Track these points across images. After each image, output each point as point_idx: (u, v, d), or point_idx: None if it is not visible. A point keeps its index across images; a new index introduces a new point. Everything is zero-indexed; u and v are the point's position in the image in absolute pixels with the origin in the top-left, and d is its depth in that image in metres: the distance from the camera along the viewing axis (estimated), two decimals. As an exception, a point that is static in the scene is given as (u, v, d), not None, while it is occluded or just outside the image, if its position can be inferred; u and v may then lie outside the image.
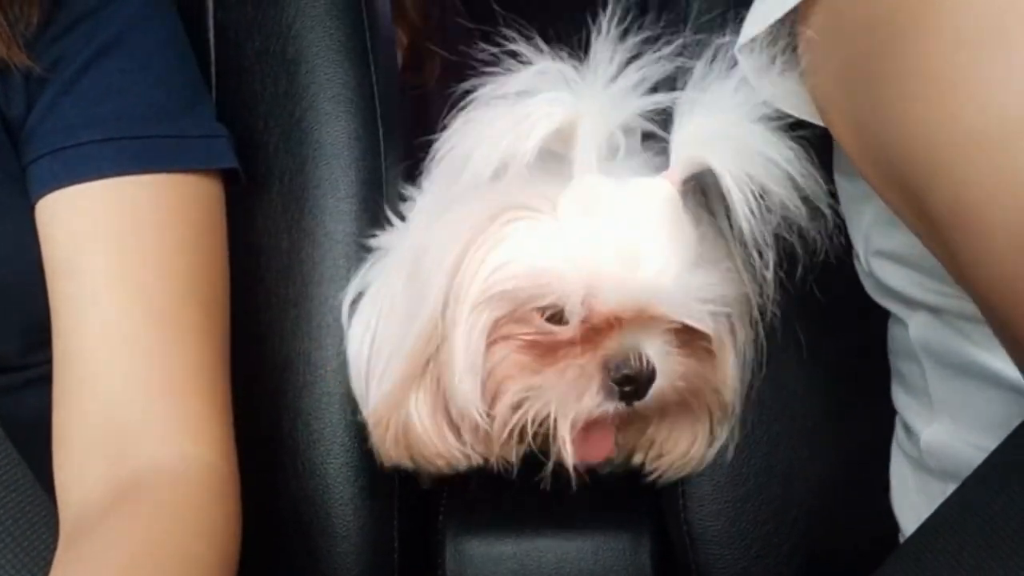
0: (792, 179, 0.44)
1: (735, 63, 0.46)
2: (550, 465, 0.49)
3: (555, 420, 0.47)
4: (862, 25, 0.41)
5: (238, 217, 0.59)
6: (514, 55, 0.46)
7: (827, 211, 0.45)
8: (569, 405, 0.46)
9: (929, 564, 0.45)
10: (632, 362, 0.46)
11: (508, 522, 0.60)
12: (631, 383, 0.46)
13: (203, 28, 0.64)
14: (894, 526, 0.58)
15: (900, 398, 0.58)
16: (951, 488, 0.52)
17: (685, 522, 0.58)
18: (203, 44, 0.64)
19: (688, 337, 0.48)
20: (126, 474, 0.48)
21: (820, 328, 0.58)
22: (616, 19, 0.46)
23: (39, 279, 0.52)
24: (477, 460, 0.51)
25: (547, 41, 0.47)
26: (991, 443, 0.46)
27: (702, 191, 0.51)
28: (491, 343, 0.47)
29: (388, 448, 0.51)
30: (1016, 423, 0.45)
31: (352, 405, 0.58)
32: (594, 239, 0.45)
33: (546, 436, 0.48)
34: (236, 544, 0.50)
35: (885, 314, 0.59)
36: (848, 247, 0.57)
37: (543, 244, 0.45)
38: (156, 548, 0.45)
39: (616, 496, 0.63)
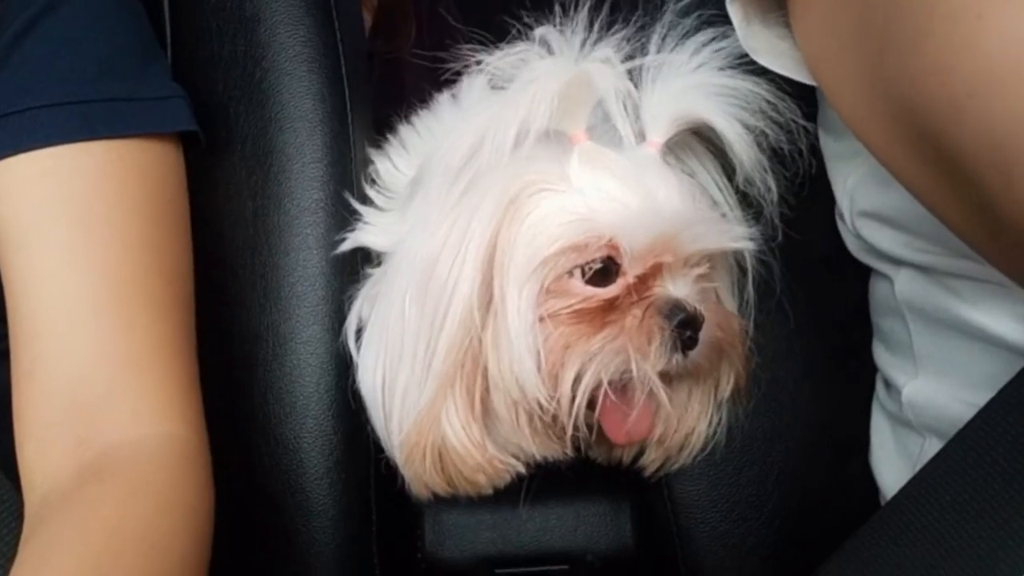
0: (773, 106, 0.46)
1: (694, 28, 0.47)
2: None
3: (622, 381, 0.46)
4: None
5: (199, 184, 0.57)
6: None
7: (805, 142, 0.47)
8: (640, 356, 0.45)
9: (910, 526, 0.45)
10: (686, 306, 0.46)
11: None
12: (689, 327, 0.46)
13: (156, -15, 0.61)
14: (874, 487, 0.58)
15: (881, 355, 0.58)
16: (929, 443, 0.52)
17: (666, 486, 0.57)
18: (157, 3, 0.61)
19: (703, 288, 0.49)
20: (92, 453, 0.46)
21: (800, 289, 0.58)
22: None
23: None
24: (518, 467, 0.50)
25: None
26: (974, 397, 0.46)
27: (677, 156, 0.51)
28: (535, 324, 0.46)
29: (427, 476, 0.49)
30: (999, 378, 0.45)
31: (324, 377, 0.56)
32: (615, 195, 0.45)
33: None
34: (209, 521, 0.48)
35: (865, 273, 0.58)
36: (830, 205, 0.57)
37: (570, 208, 0.46)
38: (126, 527, 0.44)
39: (596, 463, 0.62)
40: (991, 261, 0.39)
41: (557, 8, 0.47)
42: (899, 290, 0.53)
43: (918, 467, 0.48)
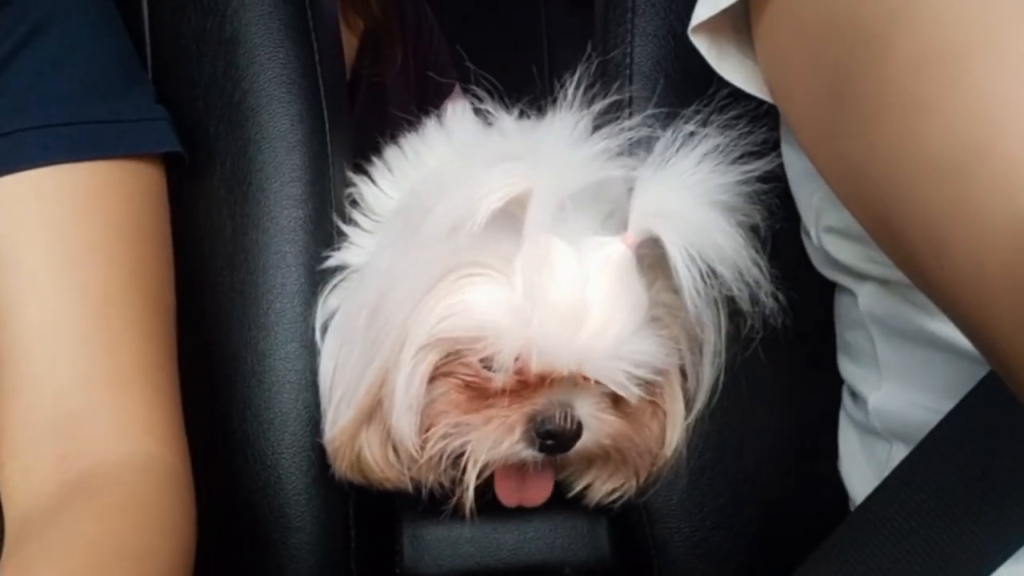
0: (738, 266, 0.46)
1: (697, 140, 0.47)
2: (467, 494, 0.51)
3: (468, 460, 0.49)
4: (820, 38, 0.41)
5: (179, 203, 0.58)
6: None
7: (768, 300, 0.48)
8: (486, 448, 0.49)
9: (880, 530, 0.47)
10: (557, 420, 0.48)
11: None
12: (553, 438, 0.49)
13: (137, 8, 0.62)
14: (844, 494, 0.59)
15: (847, 366, 0.59)
16: (896, 449, 0.54)
17: (641, 497, 0.58)
18: (138, 24, 0.62)
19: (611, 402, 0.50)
20: (74, 471, 0.47)
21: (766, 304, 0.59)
22: (582, 84, 0.47)
23: None
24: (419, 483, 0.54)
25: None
26: (938, 404, 0.48)
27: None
28: (434, 377, 0.49)
29: (343, 470, 0.54)
30: (962, 385, 0.46)
31: (303, 394, 0.56)
32: (539, 298, 0.46)
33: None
34: (191, 538, 0.48)
35: (830, 287, 0.60)
36: (794, 221, 0.58)
37: (491, 299, 0.47)
38: (108, 546, 0.44)
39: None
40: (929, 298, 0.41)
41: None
42: (863, 303, 0.55)
43: (886, 473, 0.49)
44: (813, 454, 0.61)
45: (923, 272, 0.37)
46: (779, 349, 0.59)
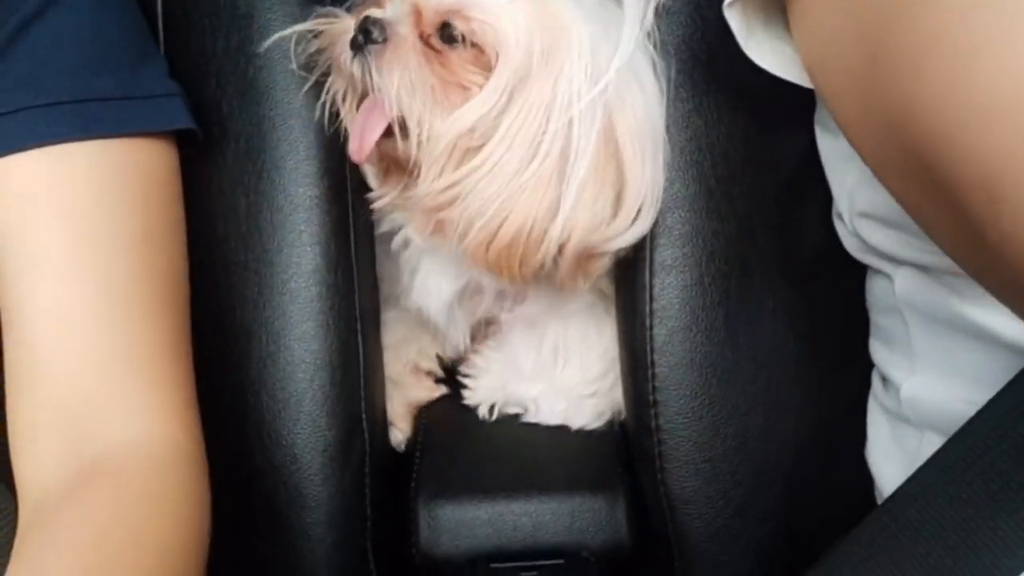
0: None
1: None
2: None
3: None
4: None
5: (193, 181, 0.57)
6: None
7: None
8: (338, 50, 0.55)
9: (909, 522, 0.45)
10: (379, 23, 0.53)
11: (482, 486, 0.59)
12: (366, 33, 0.53)
13: (149, -18, 0.61)
14: (869, 486, 0.58)
15: (879, 351, 0.58)
16: (928, 438, 0.52)
17: (662, 483, 0.57)
18: (150, 2, 0.61)
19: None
20: (88, 457, 0.46)
21: (794, 284, 0.57)
22: None
23: None
24: None
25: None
26: (973, 395, 0.46)
27: None
28: None
29: None
30: (998, 376, 0.44)
31: (318, 373, 0.56)
32: None
33: None
34: (205, 522, 0.48)
35: (858, 271, 0.58)
36: (819, 204, 0.56)
37: None
38: (122, 531, 0.44)
39: (591, 457, 0.62)
40: (975, 277, 0.39)
41: None
42: (898, 288, 0.53)
43: (917, 463, 0.48)
44: (840, 440, 0.60)
45: (974, 227, 0.35)
46: (806, 331, 0.58)
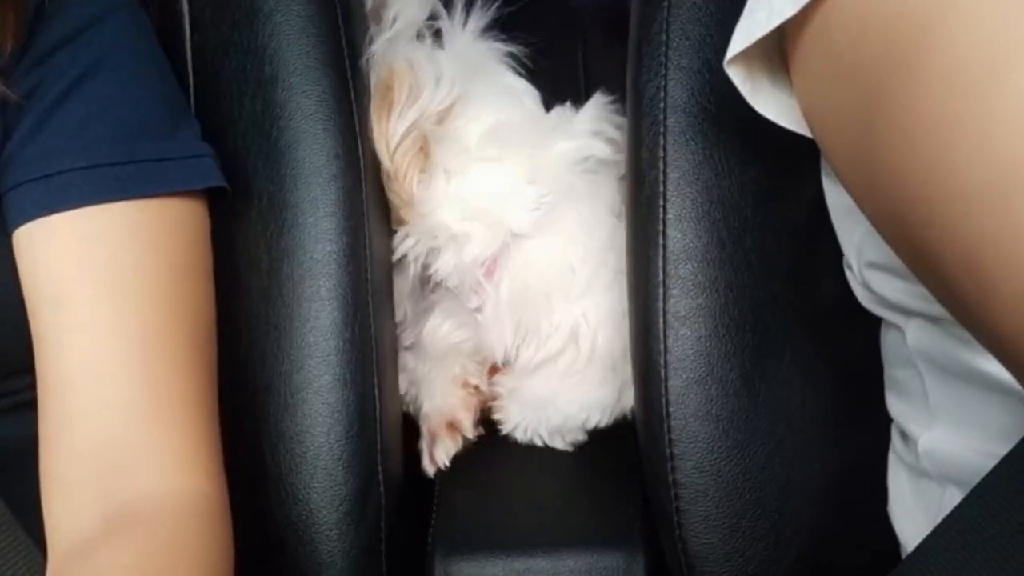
0: None
1: None
2: None
3: None
4: (853, 62, 0.39)
5: (219, 238, 0.58)
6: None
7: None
8: None
9: (932, 576, 0.44)
10: None
11: (499, 541, 0.59)
12: None
13: (181, 51, 0.64)
14: (894, 540, 0.56)
15: (895, 405, 0.57)
16: (949, 493, 0.51)
17: (680, 539, 0.56)
18: (182, 67, 0.64)
19: None
20: (118, 506, 0.47)
21: (811, 334, 0.57)
22: None
23: (12, 309, 0.51)
24: None
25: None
26: (992, 447, 0.45)
27: None
28: None
29: None
30: (1017, 428, 0.43)
31: (335, 428, 0.56)
32: None
33: None
34: (230, 573, 0.48)
35: (875, 322, 0.57)
36: (837, 254, 0.56)
37: None
38: None
39: (609, 513, 0.61)
40: (971, 333, 0.39)
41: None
42: (911, 340, 0.52)
43: (939, 517, 0.46)
44: (862, 494, 0.58)
45: (965, 305, 0.35)
46: (825, 382, 0.57)
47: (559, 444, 0.68)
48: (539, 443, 0.68)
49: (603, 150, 0.66)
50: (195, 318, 0.53)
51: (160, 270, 0.52)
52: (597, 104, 0.68)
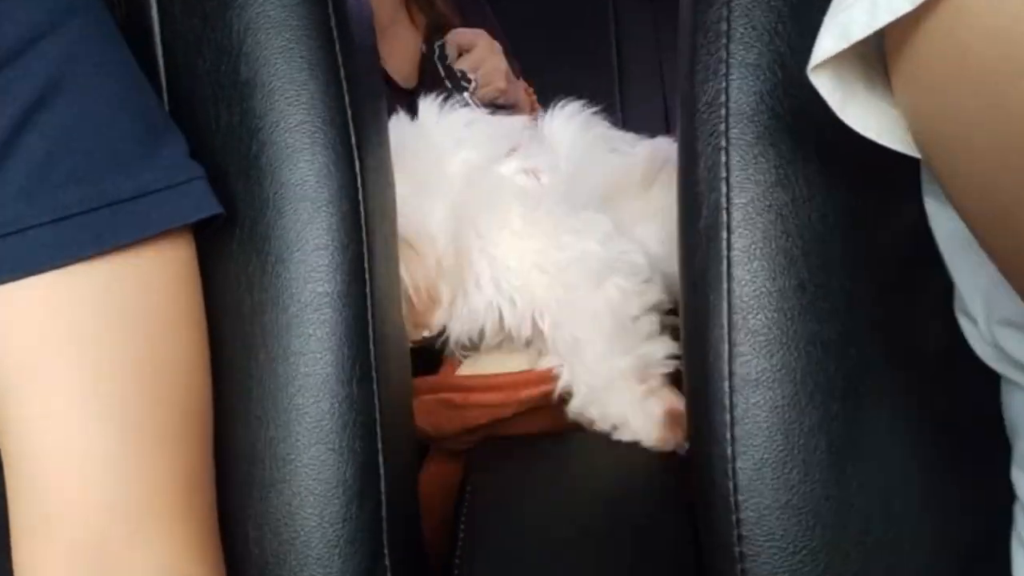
0: None
1: None
2: None
3: None
4: (998, 69, 0.31)
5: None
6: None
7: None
8: None
9: None
10: None
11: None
12: None
13: (151, 48, 0.54)
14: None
15: (1021, 480, 0.46)
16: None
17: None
18: (152, 67, 0.54)
19: None
20: None
21: (913, 397, 0.46)
22: None
23: None
24: None
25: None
26: None
27: None
28: None
29: None
30: None
31: (328, 508, 0.47)
32: None
33: None
34: None
35: (992, 373, 0.47)
36: (944, 291, 0.46)
37: None
38: None
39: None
40: None
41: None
42: None
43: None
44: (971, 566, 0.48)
45: None
46: (932, 454, 0.47)
47: None
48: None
49: None
50: (187, 382, 0.47)
51: (143, 333, 0.45)
52: None
